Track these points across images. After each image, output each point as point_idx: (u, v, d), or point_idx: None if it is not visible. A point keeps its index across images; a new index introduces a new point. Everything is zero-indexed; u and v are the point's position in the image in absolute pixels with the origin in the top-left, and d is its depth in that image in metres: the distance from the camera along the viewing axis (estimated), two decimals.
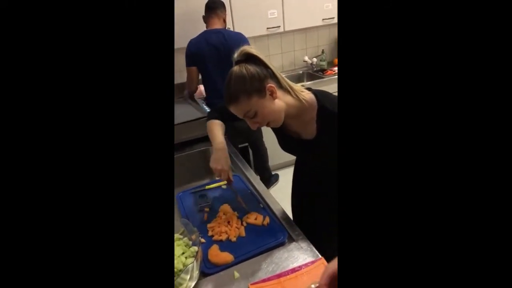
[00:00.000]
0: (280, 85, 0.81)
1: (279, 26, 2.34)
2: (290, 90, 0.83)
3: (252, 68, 0.78)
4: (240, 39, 1.75)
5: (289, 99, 0.83)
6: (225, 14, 1.86)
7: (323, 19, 2.47)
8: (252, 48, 0.80)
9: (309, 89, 0.88)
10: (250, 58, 0.80)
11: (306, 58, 2.75)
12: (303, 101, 0.83)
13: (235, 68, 0.79)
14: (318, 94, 0.86)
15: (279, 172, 2.55)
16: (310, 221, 1.07)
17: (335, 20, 2.52)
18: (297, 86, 0.86)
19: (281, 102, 0.81)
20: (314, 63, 2.73)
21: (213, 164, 0.97)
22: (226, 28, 1.89)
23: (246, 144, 2.37)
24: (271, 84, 0.79)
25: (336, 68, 2.69)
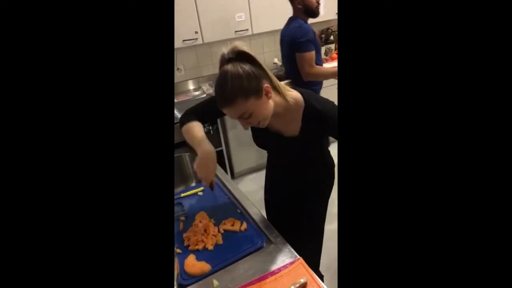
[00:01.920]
0: (273, 85, 0.81)
1: (247, 29, 2.35)
2: (279, 89, 0.83)
3: (247, 68, 0.74)
4: (285, 34, 1.85)
5: (278, 98, 0.84)
6: (300, 3, 1.82)
7: None
8: (244, 46, 0.77)
9: (294, 88, 0.90)
10: (242, 56, 0.76)
11: (276, 60, 2.78)
12: (290, 99, 0.85)
13: (230, 68, 0.75)
14: (304, 93, 0.88)
15: (249, 177, 2.56)
16: (292, 218, 1.09)
17: None
18: (284, 86, 0.87)
19: (272, 101, 0.82)
20: None
21: (199, 171, 0.91)
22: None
23: (221, 148, 2.36)
24: (267, 85, 0.78)
25: None
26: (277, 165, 1.12)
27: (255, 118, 0.80)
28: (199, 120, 1.00)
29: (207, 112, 1.01)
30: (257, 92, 0.76)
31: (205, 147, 0.91)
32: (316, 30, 3.00)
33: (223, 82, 0.75)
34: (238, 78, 0.73)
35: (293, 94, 0.87)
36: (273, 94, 0.82)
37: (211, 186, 1.01)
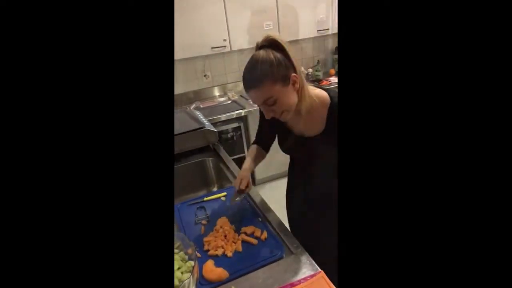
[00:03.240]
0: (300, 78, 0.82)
1: None
2: (305, 86, 0.83)
3: (279, 55, 0.77)
4: None
5: (302, 93, 0.84)
6: None
7: (318, 30, 2.50)
8: (278, 36, 0.79)
9: (321, 87, 0.90)
10: (274, 46, 0.78)
11: (302, 69, 2.76)
12: (315, 97, 0.85)
13: (261, 52, 0.77)
14: (331, 92, 0.88)
15: (272, 184, 2.54)
16: (313, 228, 1.06)
17: (330, 32, 2.56)
18: (310, 84, 0.87)
19: (296, 94, 0.82)
20: (310, 73, 2.76)
21: (236, 180, 1.05)
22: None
23: (243, 154, 2.37)
24: (295, 74, 0.79)
25: (331, 78, 2.71)
26: (300, 170, 1.10)
27: (279, 106, 0.80)
28: (259, 142, 1.13)
29: (262, 136, 1.13)
30: (285, 79, 0.77)
31: (243, 166, 1.08)
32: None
33: (252, 65, 0.77)
34: (268, 63, 0.75)
35: (318, 92, 0.87)
36: (299, 88, 0.82)
37: (239, 192, 1.04)
